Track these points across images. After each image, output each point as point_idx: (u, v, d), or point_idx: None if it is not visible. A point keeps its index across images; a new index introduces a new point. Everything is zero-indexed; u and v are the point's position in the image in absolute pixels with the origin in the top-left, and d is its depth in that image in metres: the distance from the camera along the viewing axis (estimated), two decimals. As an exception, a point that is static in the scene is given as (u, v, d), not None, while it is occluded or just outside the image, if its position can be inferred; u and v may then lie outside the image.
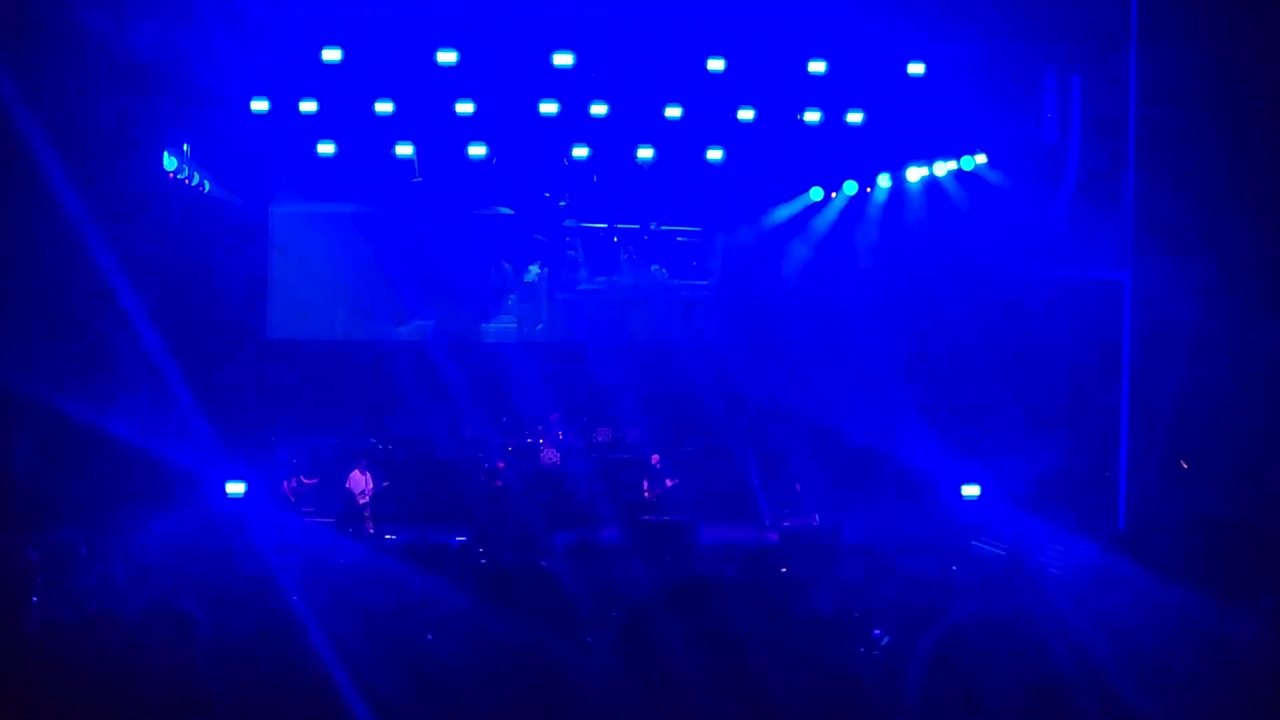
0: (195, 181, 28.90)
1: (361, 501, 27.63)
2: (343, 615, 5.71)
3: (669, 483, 28.66)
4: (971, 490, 27.01)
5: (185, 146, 27.91)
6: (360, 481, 27.80)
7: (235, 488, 26.83)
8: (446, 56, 25.90)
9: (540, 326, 32.66)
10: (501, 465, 28.64)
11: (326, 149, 28.45)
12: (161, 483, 27.91)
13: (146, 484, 27.88)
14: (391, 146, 28.70)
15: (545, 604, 4.78)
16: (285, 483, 28.03)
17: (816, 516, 28.44)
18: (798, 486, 29.67)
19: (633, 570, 21.63)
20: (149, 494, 27.82)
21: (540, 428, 30.27)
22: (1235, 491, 18.94)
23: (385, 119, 27.37)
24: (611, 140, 28.82)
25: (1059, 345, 24.03)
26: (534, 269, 32.18)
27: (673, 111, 27.60)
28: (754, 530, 27.80)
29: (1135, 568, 3.42)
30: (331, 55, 25.76)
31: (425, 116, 27.80)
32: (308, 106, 27.12)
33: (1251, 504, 18.04)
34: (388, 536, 26.07)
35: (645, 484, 28.61)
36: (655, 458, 29.08)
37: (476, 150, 28.46)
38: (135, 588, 15.90)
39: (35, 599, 8.05)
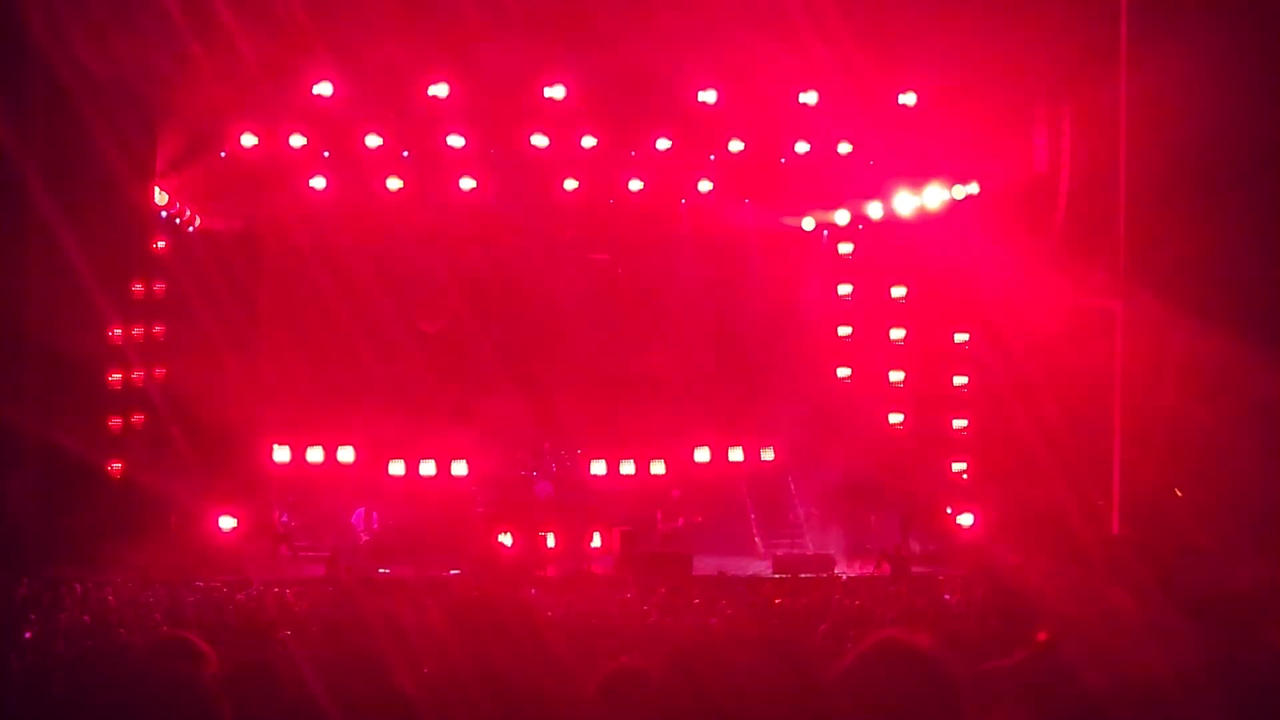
0: (186, 215, 28.92)
1: (364, 539, 27.54)
2: (335, 649, 5.71)
3: (697, 519, 28.53)
4: (965, 518, 27.02)
5: (176, 181, 27.91)
6: (364, 519, 27.71)
7: (228, 522, 26.79)
8: (438, 90, 26.04)
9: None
10: (488, 506, 28.50)
11: (317, 182, 28.49)
12: (156, 518, 27.84)
13: (141, 519, 27.82)
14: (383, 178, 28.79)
15: (535, 635, 4.79)
16: (278, 517, 27.95)
17: (810, 545, 28.42)
18: (790, 515, 29.63)
19: (627, 601, 21.61)
20: (143, 529, 27.75)
21: (533, 459, 30.11)
22: (1225, 519, 18.94)
23: (375, 151, 27.52)
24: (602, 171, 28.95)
25: (1052, 372, 24.02)
26: None
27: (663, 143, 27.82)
28: (748, 559, 27.75)
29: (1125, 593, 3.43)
30: (322, 89, 25.89)
31: (416, 149, 27.92)
32: (297, 140, 27.23)
33: (1240, 530, 18.07)
34: (381, 570, 26.00)
35: (660, 516, 28.45)
36: (676, 492, 28.88)
37: (468, 183, 28.56)
38: (128, 623, 15.90)
39: (28, 634, 8.06)
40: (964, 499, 27.31)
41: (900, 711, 3.42)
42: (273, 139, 27.27)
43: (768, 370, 30.47)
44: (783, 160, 28.67)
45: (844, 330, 30.68)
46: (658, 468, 29.88)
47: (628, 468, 29.88)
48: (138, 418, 28.23)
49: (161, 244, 28.33)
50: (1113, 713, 3.48)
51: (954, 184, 27.08)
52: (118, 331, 27.08)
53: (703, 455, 30.21)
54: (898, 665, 3.45)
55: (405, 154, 28.25)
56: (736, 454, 30.38)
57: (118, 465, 27.24)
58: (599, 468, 29.87)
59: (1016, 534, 25.29)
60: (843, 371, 30.67)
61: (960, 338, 27.97)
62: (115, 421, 27.45)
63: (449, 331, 31.04)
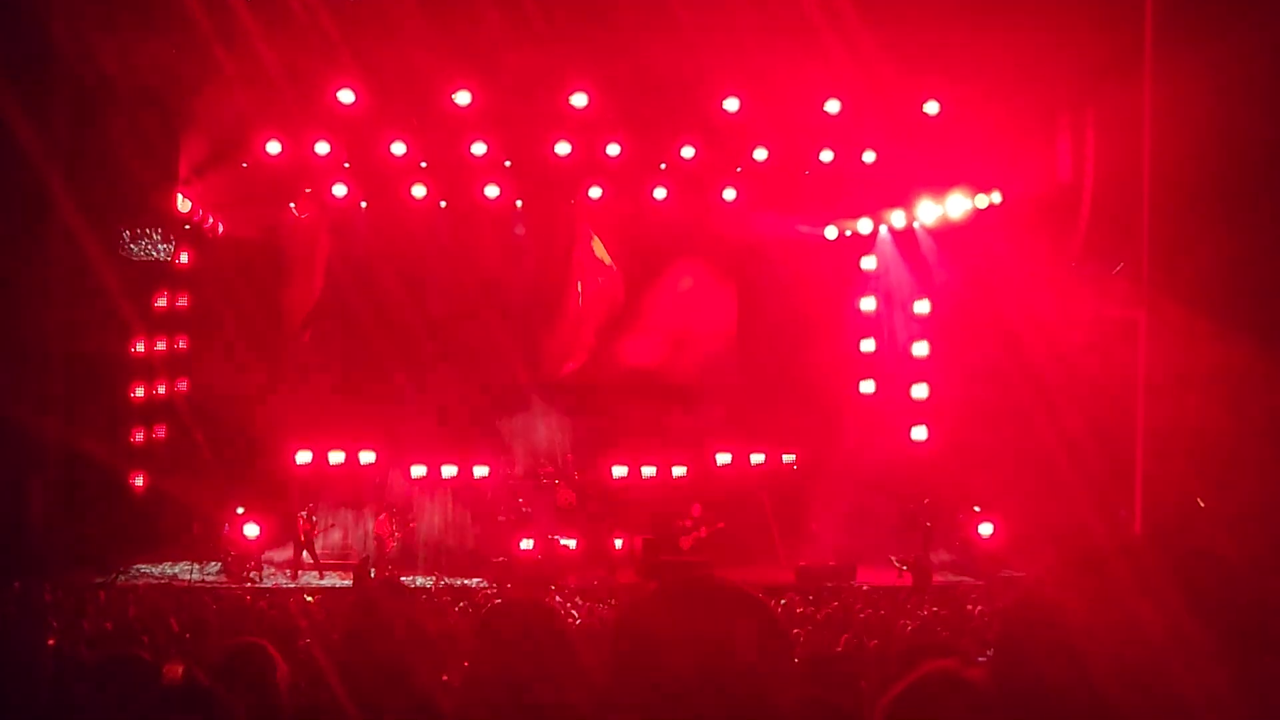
0: (209, 223, 28.97)
1: (389, 546, 27.49)
2: (356, 657, 5.70)
3: (720, 525, 28.42)
4: (987, 528, 26.95)
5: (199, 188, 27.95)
6: (386, 527, 27.64)
7: (251, 529, 26.80)
8: (462, 97, 26.02)
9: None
10: (509, 513, 28.48)
11: (340, 190, 28.58)
12: (179, 526, 27.90)
13: (164, 528, 27.89)
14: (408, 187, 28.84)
15: (558, 642, 4.78)
16: (301, 524, 27.86)
17: (832, 555, 28.31)
18: (813, 526, 29.53)
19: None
20: (166, 536, 27.82)
21: (556, 467, 30.04)
22: (1249, 529, 18.85)
23: (399, 159, 27.52)
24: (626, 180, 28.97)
25: (1075, 381, 23.93)
26: None
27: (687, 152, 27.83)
28: (770, 570, 27.64)
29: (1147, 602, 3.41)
30: (346, 96, 25.87)
31: (440, 157, 27.91)
32: (321, 147, 27.22)
33: (1264, 540, 17.97)
34: (403, 578, 25.97)
35: (685, 527, 28.32)
36: (697, 507, 28.75)
37: (491, 190, 28.66)
38: (150, 630, 15.90)
39: (51, 641, 8.03)
40: (987, 507, 27.24)
41: None
42: (297, 146, 27.24)
43: (791, 381, 30.41)
44: (807, 172, 28.69)
45: (867, 345, 30.73)
46: (679, 472, 29.91)
47: (649, 472, 29.91)
48: (160, 426, 28.29)
49: (185, 254, 28.40)
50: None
51: (977, 193, 27.02)
52: (141, 344, 27.14)
53: (724, 459, 30.21)
54: (948, 698, 3.40)
55: (424, 165, 28.27)
56: (758, 458, 30.39)
57: (141, 474, 27.30)
58: (620, 472, 29.88)
59: (1038, 544, 25.24)
60: (866, 386, 30.72)
61: (982, 347, 27.89)
62: (138, 430, 27.50)
63: (470, 336, 30.98)
